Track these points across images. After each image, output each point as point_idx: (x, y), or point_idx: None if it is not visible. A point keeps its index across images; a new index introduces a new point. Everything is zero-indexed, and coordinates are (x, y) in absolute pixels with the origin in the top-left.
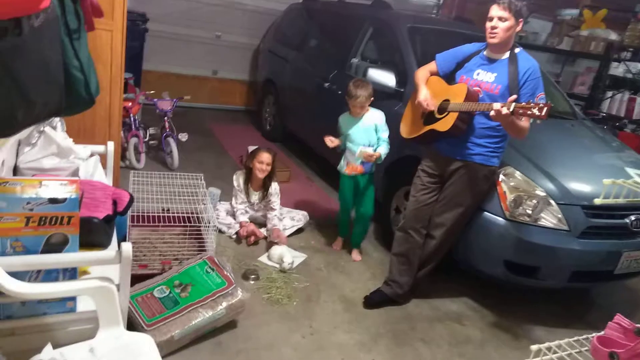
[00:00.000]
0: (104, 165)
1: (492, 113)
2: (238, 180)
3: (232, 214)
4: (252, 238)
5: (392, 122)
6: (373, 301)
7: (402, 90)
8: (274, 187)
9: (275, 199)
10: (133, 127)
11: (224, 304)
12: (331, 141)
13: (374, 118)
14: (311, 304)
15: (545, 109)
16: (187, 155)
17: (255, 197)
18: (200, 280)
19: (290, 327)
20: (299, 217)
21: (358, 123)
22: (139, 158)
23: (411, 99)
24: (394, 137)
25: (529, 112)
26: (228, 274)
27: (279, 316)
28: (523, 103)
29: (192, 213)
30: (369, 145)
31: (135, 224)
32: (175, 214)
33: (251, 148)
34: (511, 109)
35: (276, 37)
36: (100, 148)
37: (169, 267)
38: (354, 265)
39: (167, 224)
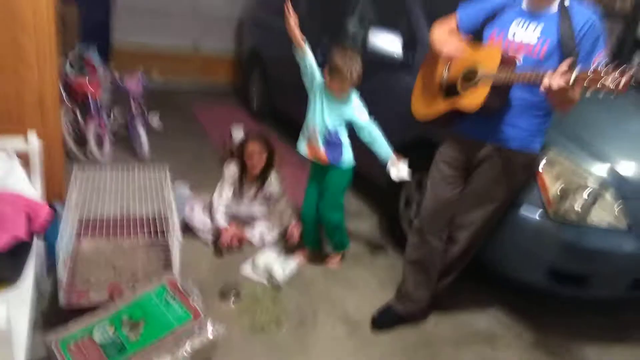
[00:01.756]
0: (28, 166)
1: (544, 85)
2: (230, 171)
3: (210, 210)
4: (235, 242)
5: (399, 100)
6: (383, 322)
7: (410, 58)
8: (273, 181)
9: (275, 195)
10: (93, 111)
11: (189, 346)
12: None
13: (355, 113)
14: (305, 330)
15: (626, 76)
16: (162, 142)
17: (250, 192)
18: (157, 314)
19: None
20: (289, 213)
21: (335, 105)
22: (102, 149)
23: (423, 68)
24: (401, 116)
25: (600, 85)
26: (194, 304)
27: (265, 350)
28: (590, 70)
29: (157, 217)
30: (328, 130)
31: (85, 233)
32: (137, 219)
33: (236, 130)
34: (572, 80)
35: (260, 3)
36: (15, 142)
37: (120, 293)
38: (357, 272)
39: (126, 231)
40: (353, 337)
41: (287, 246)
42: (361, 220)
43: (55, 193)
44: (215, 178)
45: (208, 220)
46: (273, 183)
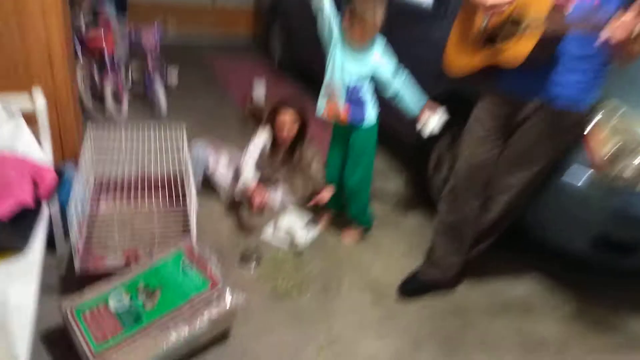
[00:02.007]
0: (35, 127)
1: (604, 36)
2: (259, 140)
3: (236, 166)
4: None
5: (429, 52)
6: (411, 289)
7: (443, 7)
8: (305, 152)
9: (305, 163)
10: (110, 67)
11: (206, 316)
12: None
13: (378, 64)
14: (329, 297)
15: None
16: (180, 99)
17: (279, 160)
18: (174, 282)
19: (302, 334)
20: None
21: (357, 57)
22: (119, 107)
23: (460, 16)
24: (431, 69)
25: None
26: (212, 271)
27: (287, 317)
28: None
29: (175, 179)
30: (349, 86)
31: (102, 195)
32: (154, 181)
33: (257, 85)
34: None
35: None
36: (21, 100)
37: (136, 259)
38: (384, 235)
39: (144, 194)
40: (379, 305)
41: (310, 209)
42: (388, 179)
43: (68, 153)
44: (236, 137)
45: (230, 177)
46: (304, 153)
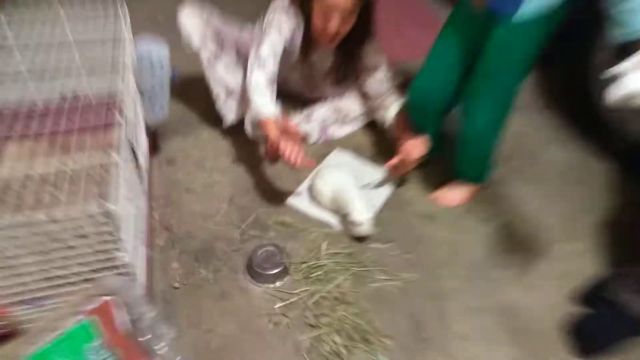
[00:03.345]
0: None
1: None
2: (282, 23)
3: (244, 66)
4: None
5: None
6: (596, 341)
7: None
8: (369, 53)
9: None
10: None
11: None
12: None
13: None
14: (422, 351)
15: None
16: None
17: (320, 65)
18: None
19: None
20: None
21: None
22: None
23: None
24: None
25: None
26: None
27: None
28: None
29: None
30: None
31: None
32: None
33: None
34: None
35: None
36: None
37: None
38: (517, 197)
39: (69, 141)
40: None
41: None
42: None
43: None
44: (244, 9)
45: (236, 81)
46: (367, 54)
